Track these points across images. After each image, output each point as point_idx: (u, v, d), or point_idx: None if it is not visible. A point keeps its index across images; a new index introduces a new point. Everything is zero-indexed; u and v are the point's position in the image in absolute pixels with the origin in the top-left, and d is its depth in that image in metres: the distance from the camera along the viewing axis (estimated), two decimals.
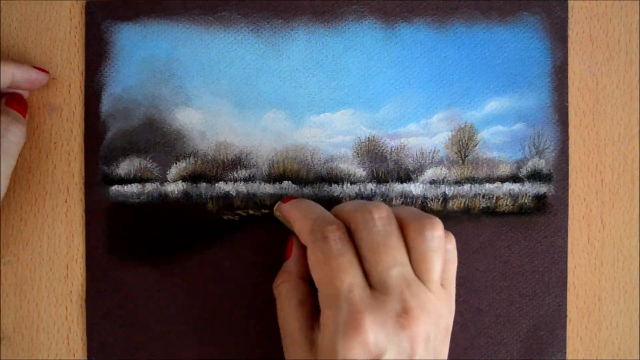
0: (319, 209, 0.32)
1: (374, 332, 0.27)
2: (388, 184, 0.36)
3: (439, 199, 0.36)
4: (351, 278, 0.28)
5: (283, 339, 0.32)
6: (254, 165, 0.36)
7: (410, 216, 0.30)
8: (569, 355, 0.36)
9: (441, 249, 0.30)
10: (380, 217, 0.30)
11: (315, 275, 0.30)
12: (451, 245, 0.31)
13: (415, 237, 0.29)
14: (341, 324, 0.28)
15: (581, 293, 0.36)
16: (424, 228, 0.29)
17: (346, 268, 0.28)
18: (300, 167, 0.36)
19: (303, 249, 0.33)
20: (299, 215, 0.32)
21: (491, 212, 0.36)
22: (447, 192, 0.36)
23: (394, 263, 0.29)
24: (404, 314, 0.28)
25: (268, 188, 0.36)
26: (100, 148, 0.36)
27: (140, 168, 0.36)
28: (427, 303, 0.29)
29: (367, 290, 0.28)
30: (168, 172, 0.36)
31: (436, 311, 0.29)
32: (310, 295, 0.32)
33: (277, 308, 0.33)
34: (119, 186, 0.36)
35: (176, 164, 0.36)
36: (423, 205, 0.36)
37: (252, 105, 0.36)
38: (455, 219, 0.36)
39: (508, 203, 0.36)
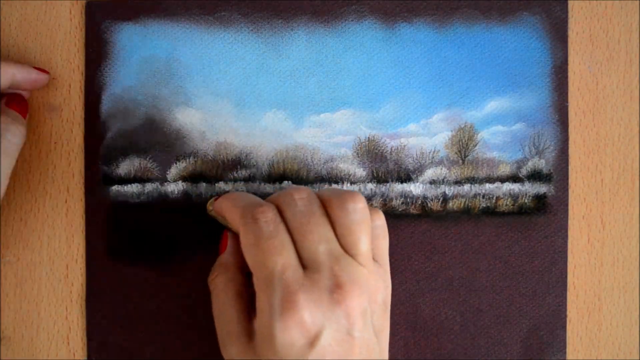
0: (249, 196, 0.32)
1: (310, 311, 0.27)
2: (388, 184, 0.36)
3: (439, 199, 0.36)
4: (284, 259, 0.28)
5: (219, 334, 0.31)
6: (254, 165, 0.36)
7: (332, 194, 0.30)
8: (568, 356, 0.36)
9: (365, 221, 0.30)
10: (301, 198, 0.30)
11: (249, 258, 0.29)
12: (380, 221, 0.31)
13: (337, 212, 0.30)
14: (276, 305, 0.27)
15: (581, 293, 0.36)
16: (345, 201, 0.30)
17: (278, 249, 0.28)
18: (300, 167, 0.36)
19: (237, 240, 0.32)
20: (229, 204, 0.32)
21: (491, 212, 0.36)
22: (447, 192, 0.36)
23: (319, 240, 0.29)
24: (337, 289, 0.28)
25: (268, 188, 0.36)
26: (100, 148, 0.36)
27: (140, 168, 0.36)
28: (358, 277, 0.28)
29: (300, 270, 0.28)
30: (168, 172, 0.36)
31: (370, 285, 0.29)
32: (247, 286, 0.32)
33: (212, 302, 0.32)
34: (119, 186, 0.36)
35: (176, 164, 0.36)
36: (423, 205, 0.36)
37: (252, 105, 0.36)
38: (455, 219, 0.36)
39: (508, 203, 0.36)
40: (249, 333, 0.30)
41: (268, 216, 0.29)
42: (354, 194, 0.30)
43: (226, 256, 0.33)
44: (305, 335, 0.27)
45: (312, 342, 0.27)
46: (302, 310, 0.27)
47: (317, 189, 0.36)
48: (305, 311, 0.27)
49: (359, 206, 0.30)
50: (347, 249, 0.29)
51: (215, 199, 0.34)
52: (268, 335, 0.28)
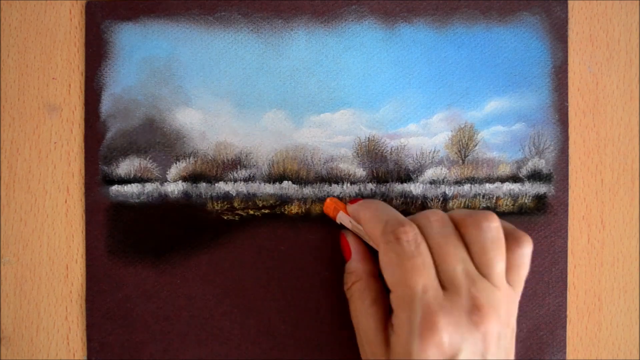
0: (390, 210, 0.32)
1: (449, 333, 0.28)
2: (388, 184, 0.36)
3: (439, 199, 0.36)
4: (425, 279, 0.29)
5: (358, 339, 0.32)
6: (254, 165, 0.36)
7: (465, 214, 0.31)
8: (568, 355, 0.36)
9: (499, 240, 0.30)
10: (437, 220, 0.30)
11: (388, 277, 0.30)
12: (527, 249, 0.31)
13: (472, 231, 0.30)
14: (416, 325, 0.28)
15: (581, 293, 0.36)
16: (479, 220, 0.30)
17: (420, 269, 0.29)
18: (300, 167, 0.36)
19: (363, 246, 0.33)
20: (370, 216, 0.32)
21: None
22: (447, 192, 0.36)
23: (457, 260, 0.29)
24: (476, 312, 0.28)
25: (268, 188, 0.36)
26: (100, 148, 0.36)
27: (140, 168, 0.36)
28: (494, 300, 0.29)
29: (440, 291, 0.29)
30: (168, 172, 0.36)
31: (505, 308, 0.29)
32: (383, 292, 0.32)
33: (350, 309, 0.33)
34: (119, 186, 0.36)
35: (176, 164, 0.36)
36: (423, 205, 0.36)
37: (252, 105, 0.36)
38: None
39: (508, 203, 0.36)
40: (386, 341, 0.30)
41: (410, 236, 0.30)
42: (487, 213, 0.30)
43: (355, 264, 0.34)
44: (442, 356, 0.27)
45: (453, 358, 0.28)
46: (442, 331, 0.27)
47: (318, 189, 0.36)
48: (445, 333, 0.27)
49: (494, 225, 0.30)
50: (480, 269, 0.30)
51: (350, 203, 0.34)
52: (405, 353, 0.28)
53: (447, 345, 0.27)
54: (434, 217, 0.31)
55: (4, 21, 0.36)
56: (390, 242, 0.30)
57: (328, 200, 0.35)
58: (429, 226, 0.30)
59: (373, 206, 0.33)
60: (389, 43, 0.36)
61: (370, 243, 0.33)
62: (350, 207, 0.34)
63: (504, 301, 0.29)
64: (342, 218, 0.34)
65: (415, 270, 0.29)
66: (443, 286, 0.29)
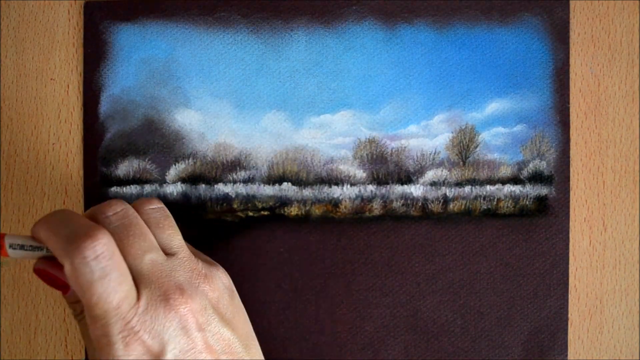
0: (71, 218, 0.28)
1: (149, 331, 0.27)
2: (388, 186, 0.36)
3: (440, 201, 0.36)
4: (120, 294, 0.27)
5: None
6: (254, 167, 0.36)
7: (135, 202, 0.31)
8: (570, 358, 0.36)
9: (165, 216, 0.31)
10: (115, 212, 0.29)
11: (82, 297, 0.27)
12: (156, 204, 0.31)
13: (143, 217, 0.30)
14: (118, 341, 0.27)
15: (582, 295, 0.36)
16: (142, 204, 0.30)
17: (114, 286, 0.26)
18: (300, 169, 0.36)
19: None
20: (49, 233, 0.28)
21: (492, 214, 0.36)
22: (447, 194, 0.36)
23: (140, 253, 0.28)
24: (167, 301, 0.28)
25: (267, 190, 0.36)
26: (98, 149, 0.36)
27: (139, 169, 0.36)
28: (181, 279, 0.29)
29: (132, 293, 0.27)
30: (167, 174, 0.36)
31: (192, 280, 0.29)
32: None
33: (84, 334, 0.31)
34: (118, 187, 0.36)
35: (175, 165, 0.36)
36: (424, 207, 0.36)
37: (251, 106, 0.36)
38: (456, 221, 0.36)
39: (509, 205, 0.36)
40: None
41: (98, 250, 0.26)
42: (150, 198, 0.31)
43: (75, 293, 0.29)
44: (149, 355, 0.27)
45: (159, 358, 0.27)
46: (141, 333, 0.27)
47: (317, 190, 0.36)
48: (144, 334, 0.27)
49: (158, 205, 0.31)
50: (165, 250, 0.29)
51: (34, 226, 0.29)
52: None
53: (150, 343, 0.27)
54: (113, 210, 0.29)
55: (2, 21, 0.36)
56: (75, 264, 0.26)
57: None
58: (106, 223, 0.28)
59: (52, 219, 0.28)
60: (389, 44, 0.36)
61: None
62: (34, 229, 0.29)
63: (188, 276, 0.29)
64: (12, 253, 0.29)
65: (108, 290, 0.26)
66: (136, 282, 0.28)
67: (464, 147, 0.36)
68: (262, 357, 0.31)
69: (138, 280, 0.28)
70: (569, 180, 0.36)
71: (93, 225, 0.27)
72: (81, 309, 0.30)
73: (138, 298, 0.27)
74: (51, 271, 0.29)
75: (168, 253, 0.30)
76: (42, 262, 0.29)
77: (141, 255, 0.28)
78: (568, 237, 0.36)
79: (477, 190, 0.36)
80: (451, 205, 0.36)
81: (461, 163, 0.36)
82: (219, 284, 0.30)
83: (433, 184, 0.36)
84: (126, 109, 0.36)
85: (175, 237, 0.30)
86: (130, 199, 0.35)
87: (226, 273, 0.31)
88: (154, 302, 0.27)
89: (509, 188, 0.36)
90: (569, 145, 0.36)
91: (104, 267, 0.26)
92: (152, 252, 0.29)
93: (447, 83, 0.36)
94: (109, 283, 0.26)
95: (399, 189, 0.36)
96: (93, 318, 0.27)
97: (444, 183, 0.36)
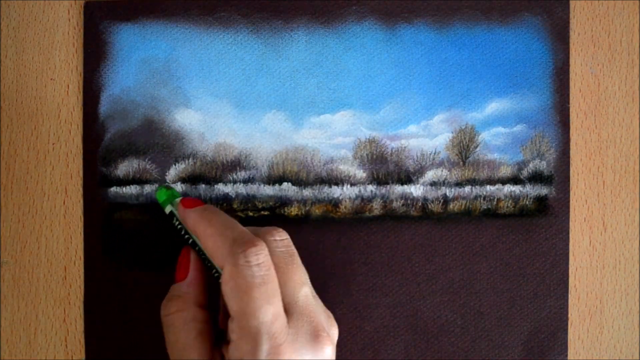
0: (235, 223, 0.29)
1: None
2: (388, 186, 0.36)
3: (440, 201, 0.36)
4: (274, 308, 0.27)
5: None
6: (254, 167, 0.36)
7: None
8: (570, 358, 0.36)
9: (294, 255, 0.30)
10: (282, 239, 0.29)
11: (234, 304, 0.27)
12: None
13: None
14: (262, 358, 0.26)
15: (582, 295, 0.36)
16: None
17: (270, 298, 0.27)
18: (300, 169, 0.36)
19: (201, 270, 0.31)
20: (213, 231, 0.29)
21: (492, 214, 0.36)
22: (447, 194, 0.36)
23: (300, 284, 0.29)
24: (316, 337, 0.28)
25: (268, 190, 0.36)
26: (98, 149, 0.36)
27: (139, 169, 0.36)
28: (325, 321, 0.29)
29: (285, 319, 0.27)
30: (167, 174, 0.36)
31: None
32: (209, 323, 0.30)
33: (168, 338, 0.30)
34: (118, 188, 0.35)
35: (175, 165, 0.36)
36: (424, 207, 0.36)
37: (251, 106, 0.36)
38: (456, 221, 0.36)
39: (509, 205, 0.36)
40: None
41: (261, 258, 0.27)
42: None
43: (185, 288, 0.30)
44: None
45: None
46: None
47: (317, 190, 0.36)
48: None
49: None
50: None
51: (183, 205, 0.30)
52: None
53: None
54: (280, 237, 0.29)
55: (2, 21, 0.36)
56: (239, 265, 0.27)
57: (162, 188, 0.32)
58: (273, 245, 0.29)
59: (216, 219, 0.29)
60: (389, 44, 0.36)
61: (213, 261, 0.30)
62: (190, 217, 0.30)
63: (325, 316, 0.30)
64: (182, 214, 0.30)
65: (264, 298, 0.26)
66: (286, 310, 0.28)
67: (464, 147, 0.36)
68: None
69: (291, 309, 0.28)
70: (569, 180, 0.36)
71: (254, 237, 0.28)
72: (179, 309, 0.29)
73: (290, 326, 0.27)
74: (191, 260, 0.30)
75: None
76: (192, 250, 0.30)
77: (300, 286, 0.28)
78: (568, 237, 0.36)
79: (477, 190, 0.36)
80: (451, 205, 0.36)
81: (461, 163, 0.36)
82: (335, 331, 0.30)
83: (433, 184, 0.36)
84: (126, 109, 0.36)
85: (307, 278, 0.30)
86: (130, 199, 0.35)
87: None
88: (305, 334, 0.28)
89: (509, 188, 0.36)
90: (569, 145, 0.36)
91: (263, 275, 0.27)
92: (307, 286, 0.29)
93: (447, 83, 0.36)
94: (267, 292, 0.26)
95: (399, 189, 0.36)
96: (244, 329, 0.26)
97: (444, 183, 0.36)
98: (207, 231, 0.29)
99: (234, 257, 0.27)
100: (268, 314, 0.26)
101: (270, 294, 0.27)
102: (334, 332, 0.30)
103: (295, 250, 0.30)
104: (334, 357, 0.29)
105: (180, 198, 0.31)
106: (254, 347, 0.26)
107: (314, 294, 0.30)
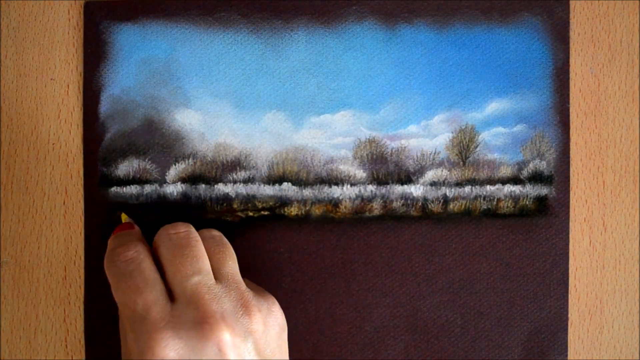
0: (125, 236, 0.32)
1: (175, 348, 0.27)
2: (388, 186, 0.36)
3: (440, 201, 0.36)
4: (145, 297, 0.28)
5: None
6: (254, 167, 0.36)
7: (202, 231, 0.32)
8: (570, 358, 0.36)
9: (221, 242, 0.32)
10: (176, 233, 0.31)
11: (116, 301, 0.30)
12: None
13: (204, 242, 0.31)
14: (141, 344, 0.27)
15: (582, 295, 0.36)
16: (202, 232, 0.32)
17: (139, 288, 0.28)
18: (300, 169, 0.36)
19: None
20: (108, 248, 0.32)
21: (492, 214, 0.36)
22: (447, 194, 0.36)
23: (188, 273, 0.29)
24: (204, 322, 0.28)
25: (268, 190, 0.36)
26: (98, 149, 0.36)
27: (139, 169, 0.36)
28: (225, 308, 0.29)
29: (167, 306, 0.28)
30: (167, 174, 0.36)
31: (231, 313, 0.29)
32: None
33: (129, 284, 0.30)
34: (118, 188, 0.35)
35: (175, 165, 0.36)
36: (423, 207, 0.36)
37: (251, 106, 0.36)
38: (456, 221, 0.36)
39: (509, 205, 0.36)
40: None
41: (127, 256, 0.30)
42: (211, 229, 0.32)
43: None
44: None
45: None
46: (166, 348, 0.27)
47: (317, 190, 0.36)
48: (170, 350, 0.27)
49: (216, 233, 0.32)
50: (215, 275, 0.30)
51: (117, 227, 0.33)
52: None
53: (174, 358, 0.27)
54: (175, 230, 0.31)
55: (2, 21, 0.36)
56: (109, 268, 0.30)
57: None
58: (165, 240, 0.30)
59: (114, 239, 0.32)
60: (389, 44, 0.36)
61: None
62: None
63: (233, 305, 0.29)
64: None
65: (132, 290, 0.28)
66: (175, 300, 0.29)
67: (464, 147, 0.36)
68: None
69: (178, 297, 0.29)
70: (569, 180, 0.36)
71: (132, 241, 0.31)
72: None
73: (172, 314, 0.28)
74: None
75: (217, 279, 0.30)
76: None
77: (189, 276, 0.29)
78: (568, 237, 0.36)
79: (477, 190, 0.36)
80: (451, 205, 0.36)
81: (461, 163, 0.36)
82: (269, 319, 0.30)
83: (433, 184, 0.36)
84: (126, 109, 0.36)
85: (226, 264, 0.31)
86: (130, 199, 0.35)
87: (280, 310, 0.31)
88: (189, 321, 0.28)
89: (509, 188, 0.36)
90: (569, 145, 0.36)
91: (131, 270, 0.29)
92: (201, 274, 0.29)
93: (447, 83, 0.36)
94: (135, 284, 0.28)
95: (399, 189, 0.36)
96: (125, 318, 0.29)
97: (444, 183, 0.36)
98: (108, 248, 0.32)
99: (106, 262, 0.30)
100: (139, 302, 0.28)
101: (140, 285, 0.28)
102: (270, 320, 0.30)
103: (190, 242, 0.30)
104: (244, 347, 0.28)
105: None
106: (134, 335, 0.28)
107: (236, 281, 0.30)
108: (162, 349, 0.27)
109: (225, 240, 0.32)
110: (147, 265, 0.29)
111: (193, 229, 0.31)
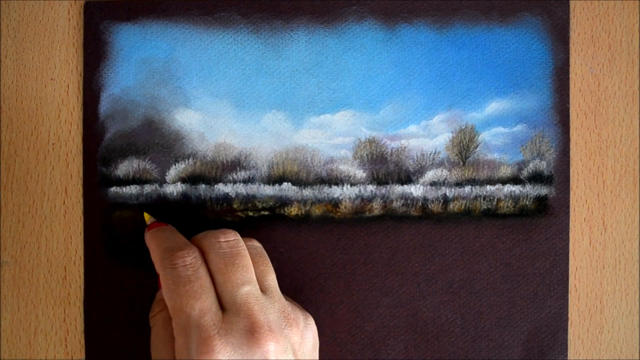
0: (174, 235, 0.32)
1: (226, 355, 0.28)
2: (388, 186, 0.36)
3: (440, 201, 0.36)
4: (201, 303, 0.29)
5: None
6: (254, 167, 0.36)
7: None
8: (570, 358, 0.36)
9: (261, 255, 0.32)
10: (226, 241, 0.31)
11: (168, 304, 0.30)
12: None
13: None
14: (193, 351, 0.28)
15: (582, 295, 0.36)
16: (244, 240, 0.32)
17: (196, 294, 0.29)
18: (300, 169, 0.36)
19: None
20: (154, 246, 0.32)
21: (492, 214, 0.36)
22: (447, 194, 0.36)
23: (239, 282, 0.30)
24: (253, 331, 0.28)
25: (267, 190, 0.36)
26: (98, 149, 0.36)
27: (139, 169, 0.36)
28: (272, 318, 0.30)
29: (218, 314, 0.29)
30: (167, 174, 0.36)
31: (278, 322, 0.30)
32: None
33: (151, 337, 0.32)
34: (118, 187, 0.35)
35: (175, 165, 0.36)
36: (423, 207, 0.36)
37: (251, 106, 0.36)
38: (456, 221, 0.36)
39: (509, 205, 0.36)
40: None
41: (187, 260, 0.30)
42: (251, 238, 0.33)
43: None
44: None
45: None
46: (218, 355, 0.28)
47: (317, 190, 0.36)
48: (221, 356, 0.28)
49: (253, 243, 0.32)
50: (260, 287, 0.31)
51: (147, 229, 0.33)
52: None
53: None
54: (225, 238, 0.31)
55: (2, 21, 0.36)
56: (166, 269, 0.30)
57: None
58: (216, 247, 0.31)
59: (158, 234, 0.32)
60: (389, 44, 0.36)
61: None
62: (146, 238, 0.33)
63: (277, 316, 0.30)
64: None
65: (190, 295, 0.29)
66: (225, 308, 0.29)
67: (464, 147, 0.36)
68: None
69: (228, 306, 0.29)
70: (569, 180, 0.36)
71: (187, 244, 0.31)
72: (159, 310, 0.32)
73: (224, 321, 0.29)
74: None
75: (262, 290, 0.31)
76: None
77: (239, 285, 0.30)
78: (568, 237, 0.36)
79: (477, 190, 0.36)
80: (451, 205, 0.36)
81: (461, 163, 0.36)
82: (305, 332, 0.31)
83: (433, 184, 0.36)
84: (126, 109, 0.36)
85: (268, 276, 0.31)
86: (130, 199, 0.35)
87: (314, 325, 0.32)
88: (239, 330, 0.28)
89: (509, 188, 0.36)
90: (569, 145, 0.36)
91: (190, 275, 0.29)
92: (251, 285, 0.30)
93: (447, 83, 0.36)
94: (193, 289, 0.29)
95: (399, 189, 0.36)
96: (178, 324, 0.29)
97: (444, 183, 0.36)
98: (151, 246, 0.32)
99: (163, 263, 0.30)
100: (194, 308, 0.29)
101: (198, 291, 0.29)
102: (307, 333, 0.31)
103: (240, 251, 0.31)
104: (285, 357, 0.29)
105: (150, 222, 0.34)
106: (186, 340, 0.28)
107: (278, 293, 0.31)
108: (214, 355, 0.28)
109: (264, 251, 0.33)
110: (204, 272, 0.30)
111: (240, 238, 0.32)
